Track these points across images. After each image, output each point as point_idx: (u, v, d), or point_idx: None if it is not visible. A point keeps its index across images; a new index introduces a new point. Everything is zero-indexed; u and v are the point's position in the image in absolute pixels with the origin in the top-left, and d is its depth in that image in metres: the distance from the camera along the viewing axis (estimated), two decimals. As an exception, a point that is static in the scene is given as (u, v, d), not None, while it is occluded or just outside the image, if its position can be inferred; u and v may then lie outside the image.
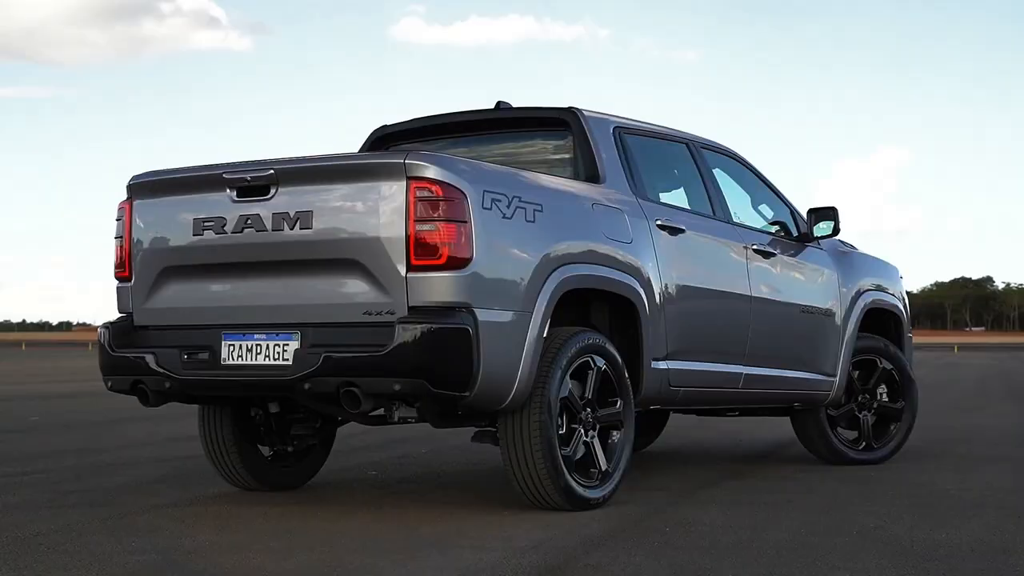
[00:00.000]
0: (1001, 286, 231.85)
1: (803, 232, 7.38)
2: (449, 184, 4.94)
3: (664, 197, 6.57)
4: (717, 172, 6.99)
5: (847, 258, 7.76)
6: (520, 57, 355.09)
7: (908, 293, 8.54)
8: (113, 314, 5.72)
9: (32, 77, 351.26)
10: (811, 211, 7.36)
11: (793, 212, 7.45)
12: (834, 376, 7.39)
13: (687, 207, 6.65)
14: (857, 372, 7.73)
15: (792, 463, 7.63)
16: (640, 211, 6.01)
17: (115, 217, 5.70)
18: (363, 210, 5.01)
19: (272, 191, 5.18)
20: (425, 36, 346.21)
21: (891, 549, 4.58)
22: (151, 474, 6.91)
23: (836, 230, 7.34)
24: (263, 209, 5.18)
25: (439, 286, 4.90)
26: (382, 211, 4.96)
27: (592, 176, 6.00)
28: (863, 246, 8.17)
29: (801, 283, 7.31)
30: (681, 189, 6.92)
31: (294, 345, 5.12)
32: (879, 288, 7.89)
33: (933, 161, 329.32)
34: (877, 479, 6.79)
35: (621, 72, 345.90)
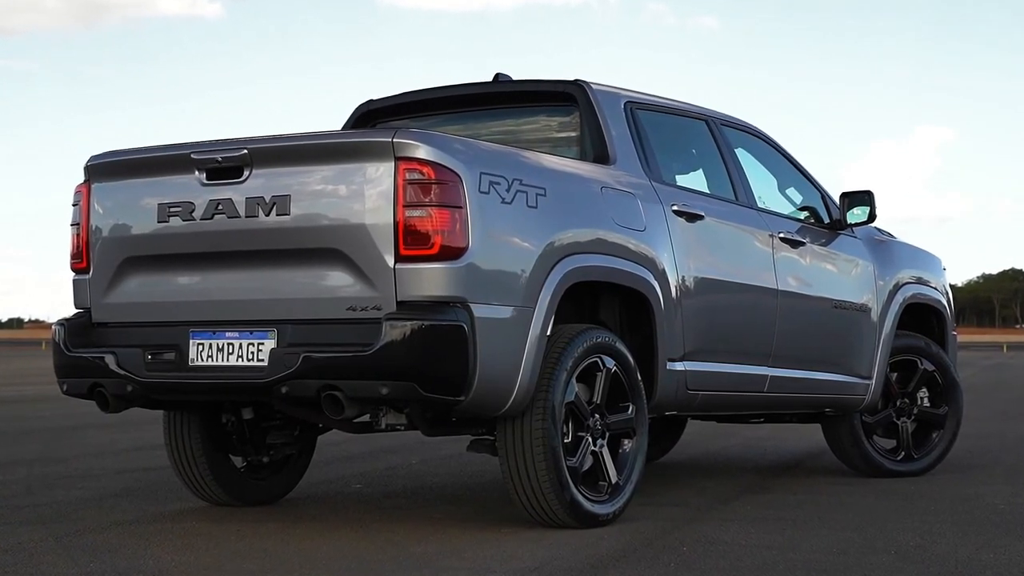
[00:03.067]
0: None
1: (835, 219, 7.38)
2: (442, 165, 4.94)
3: (681, 180, 6.57)
4: (740, 152, 7.00)
5: (884, 247, 7.77)
6: (521, 25, 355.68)
7: (952, 286, 8.54)
8: (69, 309, 5.73)
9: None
10: (844, 196, 7.36)
11: (824, 197, 7.45)
12: (869, 378, 7.39)
13: (706, 191, 6.66)
14: (895, 374, 7.73)
15: (823, 475, 7.64)
16: (654, 195, 6.01)
17: (72, 202, 5.70)
18: (346, 194, 5.01)
19: (245, 173, 5.18)
20: (417, 1, 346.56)
21: (933, 570, 4.59)
22: (112, 487, 6.92)
23: (872, 216, 7.35)
24: (235, 193, 5.18)
25: (431, 278, 4.90)
26: (368, 195, 4.97)
27: (601, 156, 6.00)
28: (901, 234, 8.19)
29: (833, 275, 7.31)
30: (700, 171, 6.93)
31: (270, 344, 5.12)
32: (919, 281, 7.89)
33: (979, 141, 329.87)
34: (917, 493, 6.80)
35: (633, 41, 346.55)
